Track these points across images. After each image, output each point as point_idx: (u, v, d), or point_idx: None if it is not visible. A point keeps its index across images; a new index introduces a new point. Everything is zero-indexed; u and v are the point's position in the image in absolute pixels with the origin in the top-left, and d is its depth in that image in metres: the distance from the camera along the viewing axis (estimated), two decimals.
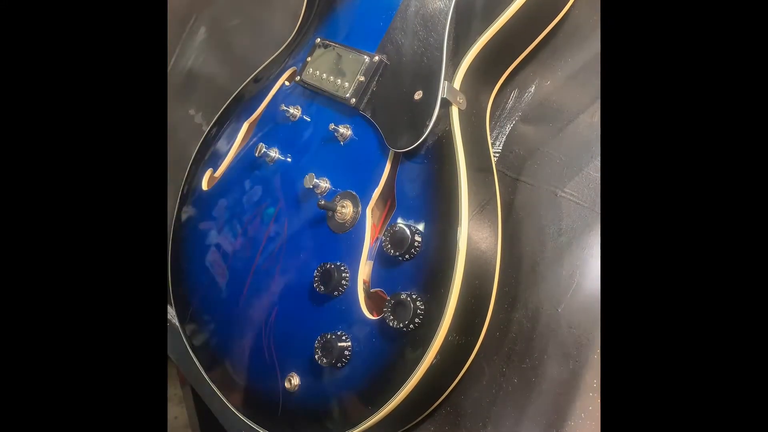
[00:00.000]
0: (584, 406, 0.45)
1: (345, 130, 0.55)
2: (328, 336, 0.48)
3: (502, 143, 0.58)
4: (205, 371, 0.60)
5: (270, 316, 0.55)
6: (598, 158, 0.51)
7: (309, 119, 0.60)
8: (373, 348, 0.47)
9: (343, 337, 0.48)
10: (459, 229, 0.45)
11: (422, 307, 0.45)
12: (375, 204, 0.52)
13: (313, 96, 0.60)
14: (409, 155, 0.51)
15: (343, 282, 0.50)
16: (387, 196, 0.52)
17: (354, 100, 0.55)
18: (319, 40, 0.61)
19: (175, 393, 1.05)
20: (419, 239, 0.47)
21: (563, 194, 0.52)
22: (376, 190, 0.52)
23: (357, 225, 0.51)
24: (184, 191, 0.69)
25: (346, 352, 0.48)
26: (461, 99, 0.51)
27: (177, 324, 0.64)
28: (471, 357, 0.48)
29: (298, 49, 0.65)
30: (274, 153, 0.60)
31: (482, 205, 0.48)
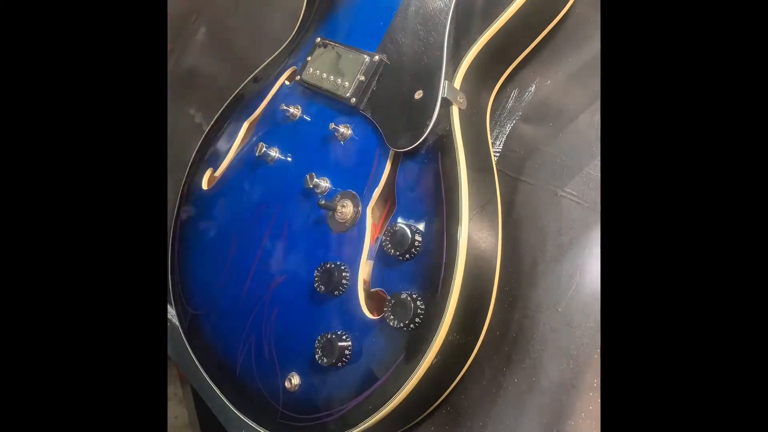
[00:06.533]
0: (584, 406, 0.45)
1: (345, 130, 0.55)
2: (329, 336, 0.48)
3: (502, 143, 0.58)
4: (205, 371, 0.59)
5: (270, 316, 0.54)
6: (599, 157, 0.51)
7: (309, 119, 0.59)
8: (374, 348, 0.47)
9: (344, 337, 0.48)
10: (459, 228, 0.45)
11: (422, 307, 0.45)
12: (375, 203, 0.52)
13: (314, 95, 0.60)
14: (410, 155, 0.51)
15: (344, 282, 0.50)
16: (387, 196, 0.52)
17: (354, 99, 0.55)
18: (319, 39, 0.61)
19: (175, 393, 1.05)
20: (419, 239, 0.47)
21: (564, 194, 0.51)
22: (376, 190, 0.52)
23: (357, 224, 0.51)
24: (184, 191, 0.69)
25: (347, 352, 0.48)
26: (461, 98, 0.51)
27: (177, 324, 0.64)
28: (471, 357, 0.48)
29: (298, 49, 0.65)
30: (275, 152, 0.60)
31: (482, 204, 0.48)
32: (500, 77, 0.57)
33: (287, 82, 0.64)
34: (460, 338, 0.46)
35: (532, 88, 0.58)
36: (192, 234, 0.65)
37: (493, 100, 0.57)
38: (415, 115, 0.51)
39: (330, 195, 0.54)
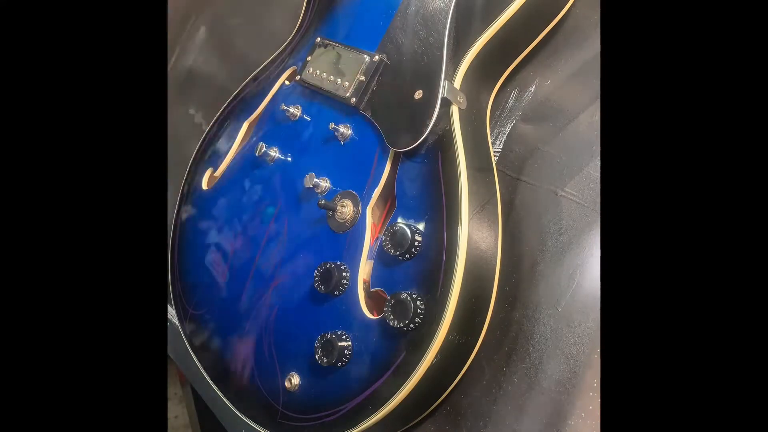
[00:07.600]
0: (584, 406, 0.45)
1: (345, 130, 0.55)
2: (329, 335, 0.48)
3: (502, 143, 0.58)
4: (205, 371, 0.59)
5: (270, 316, 0.54)
6: (599, 157, 0.51)
7: (309, 119, 0.60)
8: (374, 347, 0.47)
9: (344, 337, 0.48)
10: (459, 228, 0.45)
11: (422, 307, 0.45)
12: (375, 203, 0.52)
13: (314, 95, 0.60)
14: (410, 155, 0.51)
15: (344, 281, 0.50)
16: (387, 196, 0.52)
17: (354, 99, 0.55)
18: (319, 39, 0.61)
19: (175, 393, 1.05)
20: (419, 239, 0.47)
21: (563, 193, 0.51)
22: (376, 190, 0.52)
23: (357, 224, 0.51)
24: (184, 190, 0.69)
25: (347, 352, 0.48)
26: (461, 98, 0.51)
27: (177, 324, 0.64)
28: (471, 356, 0.48)
29: (298, 49, 0.65)
30: (275, 152, 0.60)
31: (482, 204, 0.48)
32: (500, 77, 0.57)
33: (287, 82, 0.64)
34: (460, 338, 0.46)
35: (532, 88, 0.58)
36: (192, 234, 0.65)
37: (493, 100, 0.57)
38: (415, 114, 0.51)
39: (330, 195, 0.54)
